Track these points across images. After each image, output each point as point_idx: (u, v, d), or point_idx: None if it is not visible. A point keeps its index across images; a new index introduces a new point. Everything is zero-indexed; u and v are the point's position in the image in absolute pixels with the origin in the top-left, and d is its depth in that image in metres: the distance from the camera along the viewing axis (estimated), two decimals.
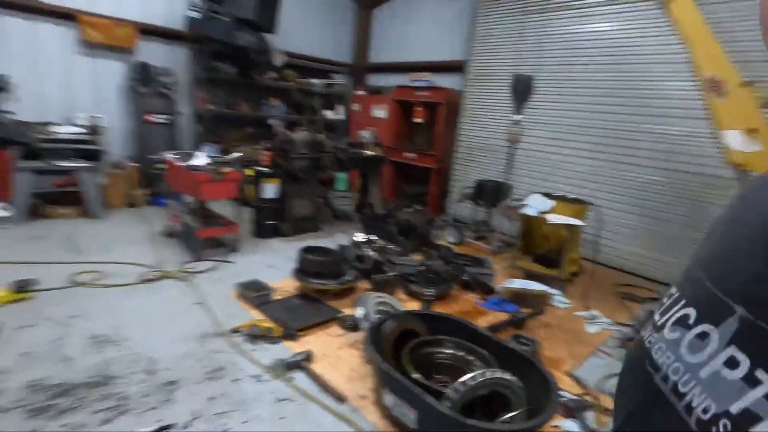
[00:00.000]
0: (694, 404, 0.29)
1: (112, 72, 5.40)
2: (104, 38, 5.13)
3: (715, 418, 0.27)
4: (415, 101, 6.11)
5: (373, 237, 4.09)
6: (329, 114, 7.41)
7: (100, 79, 5.34)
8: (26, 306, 2.66)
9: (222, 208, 4.28)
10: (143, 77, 5.35)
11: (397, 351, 2.18)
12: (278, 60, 6.13)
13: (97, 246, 3.77)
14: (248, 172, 4.58)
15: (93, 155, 4.58)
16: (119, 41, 5.23)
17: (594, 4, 4.53)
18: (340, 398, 2.09)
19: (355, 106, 7.09)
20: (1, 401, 1.87)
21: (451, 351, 2.26)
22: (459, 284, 3.55)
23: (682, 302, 0.37)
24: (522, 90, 3.87)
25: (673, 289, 0.40)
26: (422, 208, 4.97)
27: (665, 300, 0.41)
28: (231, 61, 5.92)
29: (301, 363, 2.31)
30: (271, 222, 4.49)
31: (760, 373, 0.26)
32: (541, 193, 3.95)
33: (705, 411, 0.28)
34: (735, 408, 0.26)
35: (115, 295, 2.93)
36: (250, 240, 4.33)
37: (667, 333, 0.36)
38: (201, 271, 3.43)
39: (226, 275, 3.40)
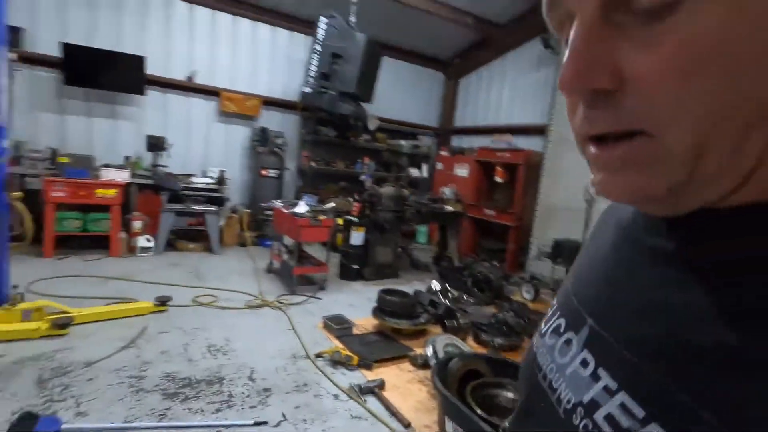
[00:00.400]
0: (561, 397, 0.36)
1: (239, 135, 6.61)
2: (237, 109, 6.37)
3: (574, 407, 0.34)
4: (496, 161, 6.42)
5: (449, 286, 4.32)
6: (414, 172, 8.00)
7: (230, 141, 6.56)
8: (163, 316, 3.33)
9: (315, 251, 4.87)
10: (262, 139, 6.44)
11: (461, 388, 2.35)
12: (372, 124, 6.94)
13: (214, 275, 4.53)
14: (339, 220, 5.18)
15: (218, 201, 5.57)
16: (247, 111, 6.44)
17: None
18: (407, 424, 2.30)
19: (439, 165, 7.59)
20: (145, 384, 2.42)
21: (512, 395, 2.36)
22: (530, 338, 3.57)
23: (558, 314, 0.43)
24: None
25: (554, 302, 0.46)
26: (499, 263, 5.09)
27: (548, 311, 0.46)
28: (332, 125, 6.88)
29: (374, 389, 2.57)
30: (356, 266, 4.95)
31: (600, 371, 0.32)
32: None
33: (568, 402, 0.34)
34: (586, 398, 0.32)
35: (227, 315, 3.52)
36: (337, 280, 4.82)
37: (547, 339, 0.42)
38: (294, 303, 3.94)
39: (315, 308, 3.86)
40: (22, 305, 2.85)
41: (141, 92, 5.60)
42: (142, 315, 3.27)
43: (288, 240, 4.70)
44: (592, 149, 0.30)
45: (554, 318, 0.42)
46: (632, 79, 0.26)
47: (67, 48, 5.10)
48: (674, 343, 0.28)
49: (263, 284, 4.38)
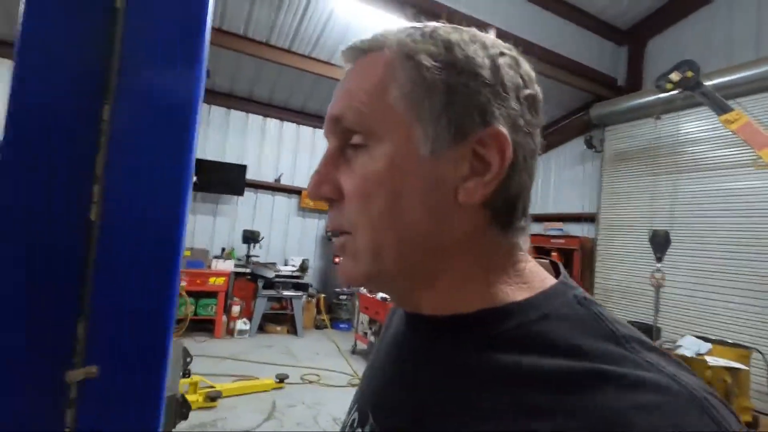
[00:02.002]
0: None
1: (314, 226, 7.45)
2: (313, 204, 7.28)
3: None
4: (551, 247, 6.90)
5: None
6: None
7: (306, 232, 7.39)
8: (283, 392, 3.78)
9: None
10: None
11: None
12: None
13: (305, 355, 4.98)
14: None
15: (303, 287, 6.20)
16: (322, 206, 7.32)
17: (716, 167, 5.16)
18: None
19: None
20: None
21: None
22: None
23: (354, 407, 0.45)
24: (660, 242, 4.45)
25: (353, 398, 0.49)
26: None
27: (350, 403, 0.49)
28: None
29: None
30: None
31: None
32: (695, 336, 4.15)
33: None
34: None
35: (335, 392, 3.92)
36: None
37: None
38: None
39: None
40: (182, 380, 3.38)
41: (241, 194, 6.61)
42: (267, 391, 3.72)
43: (377, 322, 5.16)
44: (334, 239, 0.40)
45: (352, 412, 0.45)
46: (345, 194, 0.37)
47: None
48: None
49: (353, 364, 4.78)
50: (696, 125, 5.37)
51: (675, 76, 4.21)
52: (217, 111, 6.83)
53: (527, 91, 0.38)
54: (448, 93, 0.35)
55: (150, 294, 0.72)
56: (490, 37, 0.39)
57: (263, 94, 6.98)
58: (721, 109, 3.93)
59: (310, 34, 5.49)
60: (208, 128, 6.80)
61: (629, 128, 6.32)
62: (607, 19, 6.59)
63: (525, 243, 0.40)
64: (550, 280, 0.39)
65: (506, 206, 0.37)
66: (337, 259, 0.42)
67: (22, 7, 0.66)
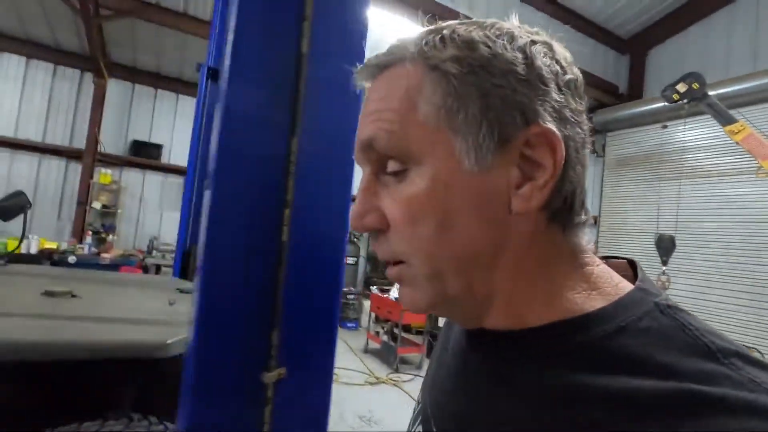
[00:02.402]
0: None
1: None
2: None
3: None
4: None
5: None
6: None
7: None
8: None
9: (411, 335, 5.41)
10: None
11: None
12: None
13: None
14: None
15: None
16: None
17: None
18: None
19: None
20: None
21: None
22: None
23: (419, 419, 0.45)
24: (666, 246, 4.65)
25: (417, 400, 0.49)
26: None
27: (413, 411, 0.49)
28: None
29: None
30: None
31: None
32: None
33: None
34: None
35: (354, 389, 4.02)
36: (427, 360, 5.29)
37: None
38: (405, 381, 4.42)
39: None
40: None
41: None
42: None
43: (388, 322, 5.27)
44: (388, 269, 0.38)
45: (416, 425, 0.45)
46: (391, 222, 0.35)
47: None
48: None
49: (368, 363, 4.88)
50: (695, 134, 5.60)
51: (681, 87, 4.40)
52: None
53: (567, 77, 0.35)
54: (483, 98, 0.33)
55: (323, 299, 0.82)
56: (516, 24, 0.36)
57: None
58: (726, 119, 4.13)
59: None
60: None
61: (630, 135, 6.54)
62: (610, 28, 6.80)
63: (588, 241, 0.37)
64: (625, 286, 0.35)
65: (565, 205, 0.35)
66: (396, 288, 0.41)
67: (227, 65, 0.74)
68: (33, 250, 4.71)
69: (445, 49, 0.34)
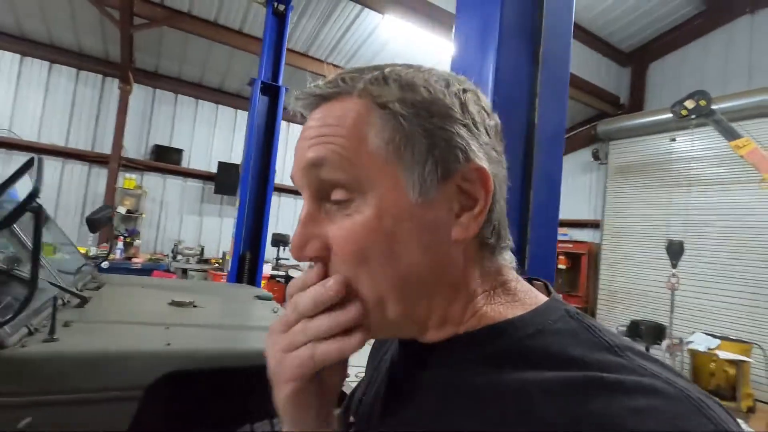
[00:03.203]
0: None
1: None
2: None
3: None
4: (558, 251, 7.44)
5: None
6: None
7: None
8: None
9: None
10: None
11: None
12: None
13: None
14: None
15: None
16: None
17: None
18: None
19: None
20: None
21: None
22: None
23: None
24: (675, 251, 5.00)
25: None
26: None
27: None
28: None
29: None
30: None
31: None
32: (704, 333, 4.72)
33: None
34: None
35: None
36: None
37: None
38: None
39: None
40: None
41: None
42: None
43: None
44: None
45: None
46: (335, 250, 0.37)
47: (221, 165, 6.34)
48: None
49: None
50: (696, 145, 6.00)
51: (690, 104, 4.75)
52: (243, 115, 6.95)
53: (491, 122, 0.40)
54: (428, 137, 0.36)
55: None
56: (447, 72, 0.40)
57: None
58: (732, 135, 4.49)
59: (349, 47, 5.73)
60: (236, 134, 6.91)
61: (632, 144, 6.93)
62: (613, 42, 7.16)
63: (511, 261, 0.42)
64: (542, 298, 0.40)
65: (494, 234, 0.39)
66: None
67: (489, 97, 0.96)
68: None
69: (390, 89, 0.37)
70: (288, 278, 6.09)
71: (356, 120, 0.36)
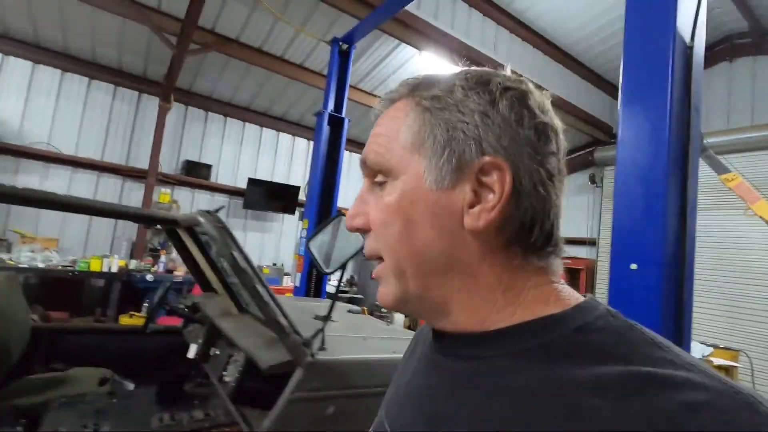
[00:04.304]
0: None
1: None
2: None
3: None
4: None
5: None
6: None
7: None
8: None
9: None
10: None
11: None
12: None
13: None
14: None
15: (354, 301, 6.75)
16: None
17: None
18: None
19: None
20: None
21: None
22: None
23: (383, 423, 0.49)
24: None
25: (381, 413, 0.52)
26: None
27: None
28: None
29: None
30: None
31: None
32: (696, 342, 5.36)
33: None
34: None
35: None
36: None
37: None
38: None
39: None
40: None
41: (293, 212, 7.03)
42: None
43: None
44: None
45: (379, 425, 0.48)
46: (371, 225, 0.44)
47: (250, 181, 6.58)
48: None
49: None
50: None
51: None
52: (268, 133, 7.23)
53: (537, 121, 0.41)
54: (449, 130, 0.40)
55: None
56: (500, 73, 0.43)
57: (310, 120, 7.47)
58: (722, 169, 5.18)
59: (381, 75, 6.15)
60: (262, 153, 7.18)
61: None
62: (603, 74, 7.91)
63: (557, 267, 0.42)
64: (580, 297, 0.42)
65: (523, 230, 0.40)
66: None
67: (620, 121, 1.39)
68: (114, 269, 4.88)
69: (428, 89, 0.42)
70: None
71: (396, 117, 0.44)
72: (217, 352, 2.05)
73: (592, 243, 8.07)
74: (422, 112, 0.42)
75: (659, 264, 1.36)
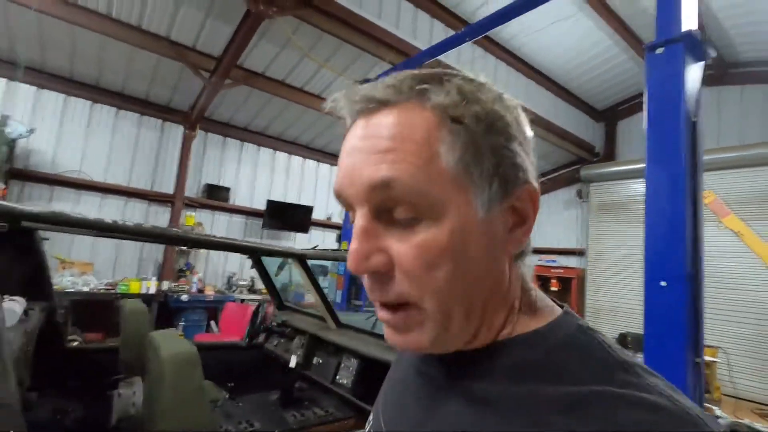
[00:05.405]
0: None
1: None
2: None
3: None
4: (550, 276, 8.69)
5: None
6: None
7: None
8: None
9: None
10: None
11: None
12: None
13: None
14: None
15: None
16: None
17: None
18: None
19: None
20: None
21: None
22: None
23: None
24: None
25: (370, 418, 0.54)
26: None
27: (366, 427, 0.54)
28: None
29: None
30: None
31: None
32: None
33: None
34: None
35: None
36: None
37: None
38: None
39: None
40: None
41: (306, 231, 7.41)
42: None
43: None
44: (382, 313, 0.40)
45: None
46: (398, 263, 0.37)
47: (269, 203, 6.95)
48: None
49: None
50: None
51: None
52: (281, 156, 7.62)
53: (531, 136, 0.41)
54: (495, 156, 0.37)
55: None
56: (493, 86, 0.41)
57: (319, 142, 7.92)
58: None
59: None
60: (275, 174, 7.56)
61: (609, 186, 8.40)
62: (587, 100, 8.71)
63: (530, 269, 0.45)
64: (556, 309, 0.44)
65: (528, 246, 0.43)
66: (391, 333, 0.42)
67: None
68: (152, 291, 5.15)
69: (466, 105, 0.37)
70: None
71: (428, 135, 0.36)
72: (320, 361, 2.46)
73: (581, 253, 8.75)
74: (462, 131, 0.37)
75: (682, 279, 1.88)
